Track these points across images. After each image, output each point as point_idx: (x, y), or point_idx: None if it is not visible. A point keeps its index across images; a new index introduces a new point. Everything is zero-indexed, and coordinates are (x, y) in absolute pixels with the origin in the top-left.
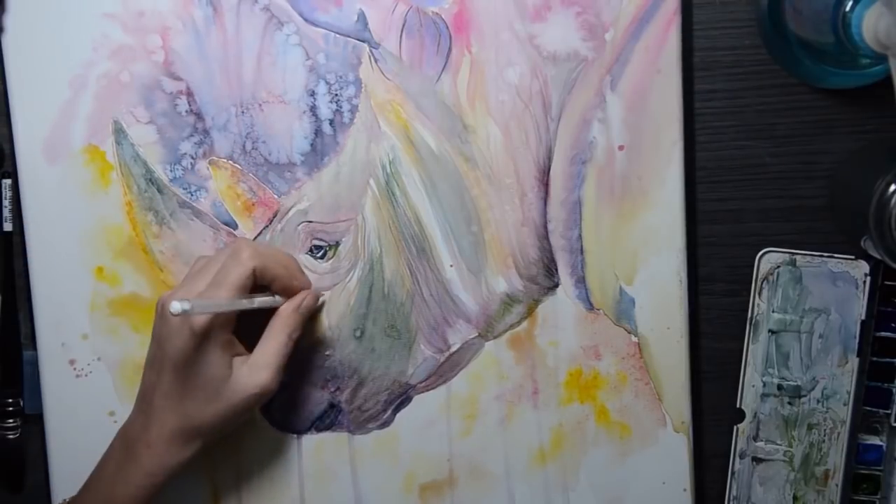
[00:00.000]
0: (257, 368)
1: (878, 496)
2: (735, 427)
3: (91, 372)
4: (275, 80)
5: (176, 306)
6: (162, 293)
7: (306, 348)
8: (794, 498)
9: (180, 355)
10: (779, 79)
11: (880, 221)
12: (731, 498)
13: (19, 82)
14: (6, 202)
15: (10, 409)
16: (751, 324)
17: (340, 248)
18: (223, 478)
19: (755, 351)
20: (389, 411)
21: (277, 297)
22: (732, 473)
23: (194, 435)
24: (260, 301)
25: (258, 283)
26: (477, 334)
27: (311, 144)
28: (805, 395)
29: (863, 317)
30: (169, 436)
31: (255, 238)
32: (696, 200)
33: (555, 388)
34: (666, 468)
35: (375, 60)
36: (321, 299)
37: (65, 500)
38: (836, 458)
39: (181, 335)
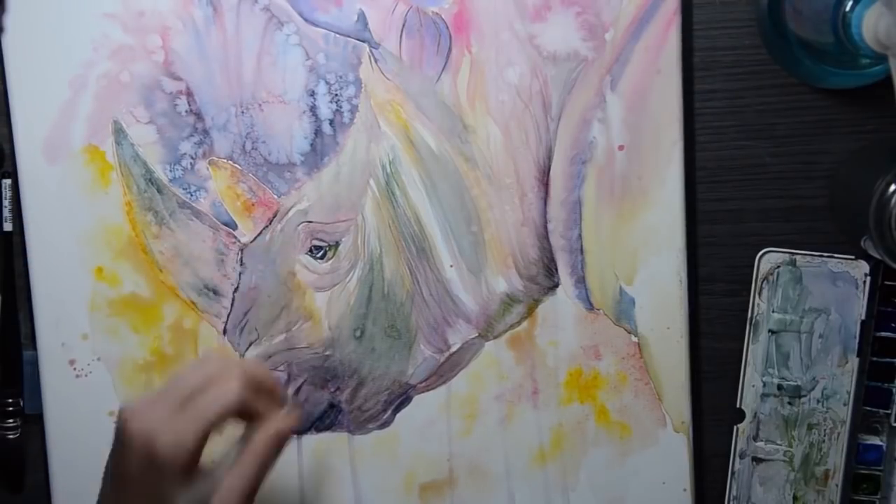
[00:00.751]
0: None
1: (878, 496)
2: (735, 427)
3: (91, 372)
4: (275, 80)
5: None
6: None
7: (306, 349)
8: (794, 498)
9: (141, 478)
10: (779, 79)
11: (880, 221)
12: (731, 498)
13: (19, 82)
14: (6, 202)
15: (10, 409)
16: (751, 324)
17: (340, 248)
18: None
19: (755, 351)
20: (389, 411)
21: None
22: (732, 473)
23: None
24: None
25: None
26: (477, 334)
27: (311, 144)
28: (805, 395)
29: (863, 317)
30: None
31: (255, 238)
32: (696, 200)
33: (555, 388)
34: (666, 468)
35: (375, 60)
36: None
37: None
38: (836, 458)
39: (140, 458)
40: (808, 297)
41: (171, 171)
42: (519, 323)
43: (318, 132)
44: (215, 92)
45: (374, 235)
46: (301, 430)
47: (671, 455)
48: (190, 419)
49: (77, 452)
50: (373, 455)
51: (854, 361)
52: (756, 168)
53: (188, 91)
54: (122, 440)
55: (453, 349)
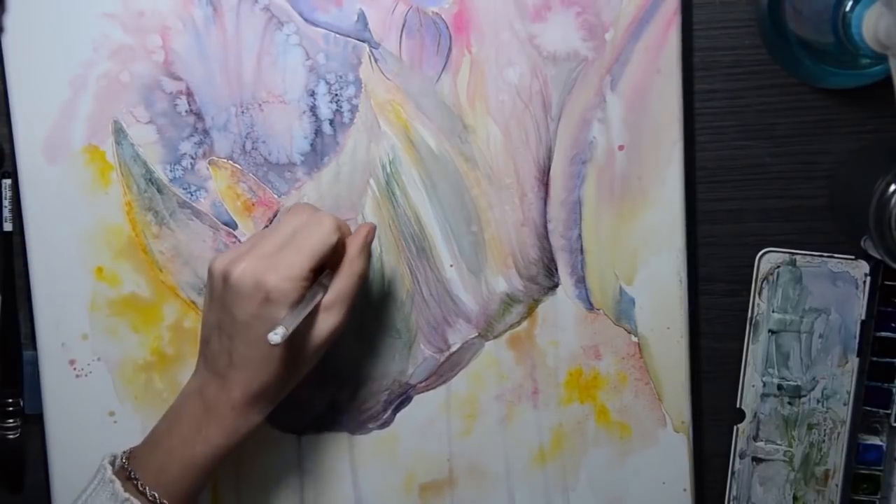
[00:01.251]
0: (326, 313)
1: (878, 496)
2: (735, 427)
3: (91, 372)
4: (275, 80)
5: (274, 337)
6: (213, 259)
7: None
8: (794, 498)
9: (254, 321)
10: (779, 79)
11: (880, 221)
12: (731, 498)
13: (19, 82)
14: (6, 202)
15: (10, 409)
16: (751, 324)
17: None
18: (223, 478)
19: (755, 351)
20: (389, 411)
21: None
22: (732, 473)
23: (279, 390)
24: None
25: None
26: (477, 334)
27: (311, 144)
28: (805, 395)
29: (863, 317)
30: (254, 396)
31: None
32: (696, 200)
33: (555, 388)
34: (666, 468)
35: (375, 60)
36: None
37: (125, 452)
38: (836, 458)
39: (253, 301)
40: (808, 297)
41: (171, 171)
42: (519, 323)
43: (318, 132)
44: (215, 92)
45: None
46: (301, 430)
47: (671, 455)
48: (296, 254)
49: (77, 452)
50: (373, 455)
51: (854, 361)
52: (756, 168)
53: (188, 91)
54: (228, 288)
55: (453, 349)
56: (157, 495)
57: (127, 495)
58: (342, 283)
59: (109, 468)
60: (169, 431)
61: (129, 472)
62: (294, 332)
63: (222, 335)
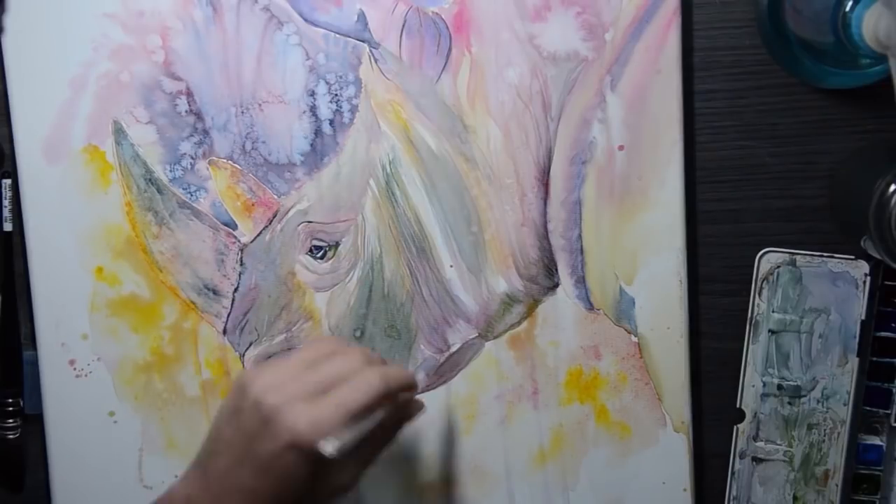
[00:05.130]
0: (342, 469)
1: (878, 496)
2: (735, 427)
3: (91, 372)
4: (275, 80)
5: (327, 447)
6: (246, 375)
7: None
8: (794, 498)
9: (271, 460)
10: (779, 79)
11: (880, 221)
12: (731, 498)
13: (19, 82)
14: (6, 202)
15: (10, 409)
16: (751, 324)
17: (340, 248)
18: None
19: (755, 351)
20: None
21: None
22: (732, 473)
23: None
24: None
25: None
26: (477, 334)
27: (311, 144)
28: (805, 395)
29: (863, 317)
30: None
31: (255, 239)
32: (696, 200)
33: (555, 388)
34: (666, 468)
35: (375, 60)
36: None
37: None
38: (836, 458)
39: (277, 442)
40: (808, 297)
41: (171, 171)
42: (519, 323)
43: (318, 132)
44: (215, 92)
45: (374, 235)
46: None
47: (671, 455)
48: (332, 408)
49: (77, 452)
50: None
51: (854, 361)
52: (756, 168)
53: (188, 91)
54: (254, 416)
55: (453, 349)
56: None
57: None
58: (373, 446)
59: None
60: None
61: None
62: (301, 478)
63: (230, 457)
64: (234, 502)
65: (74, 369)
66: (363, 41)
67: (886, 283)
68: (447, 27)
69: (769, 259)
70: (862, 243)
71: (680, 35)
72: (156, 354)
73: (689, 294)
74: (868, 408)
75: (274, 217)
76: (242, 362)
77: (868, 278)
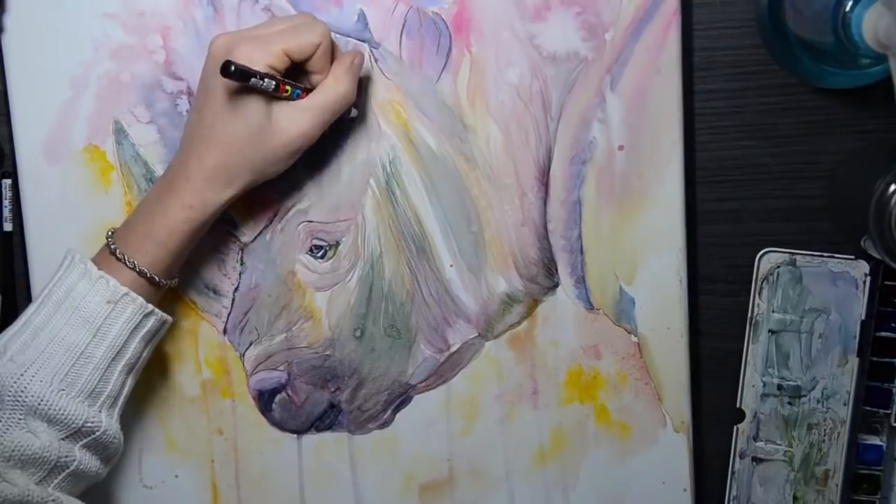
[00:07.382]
0: (299, 112)
1: (878, 496)
2: (735, 427)
3: None
4: None
5: (230, 68)
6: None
7: (306, 348)
8: (794, 498)
9: (224, 91)
10: (779, 79)
11: (880, 221)
12: (731, 498)
13: (19, 82)
14: (6, 202)
15: None
16: (751, 324)
17: (340, 247)
18: (223, 476)
19: (755, 351)
20: (389, 411)
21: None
22: (732, 473)
23: (234, 174)
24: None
25: (300, 60)
26: (477, 334)
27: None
28: (805, 395)
29: (863, 317)
30: (209, 171)
31: (255, 238)
32: (696, 200)
33: (555, 387)
34: (666, 468)
35: (375, 60)
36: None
37: (110, 231)
38: (836, 458)
39: (206, 64)
40: (808, 297)
41: None
42: (519, 323)
43: None
44: None
45: (374, 235)
46: (301, 430)
47: (671, 455)
48: (275, 35)
49: None
50: (373, 455)
51: (854, 361)
52: (756, 168)
53: (189, 91)
54: (208, 58)
55: (453, 349)
56: (136, 262)
57: (101, 273)
58: (321, 95)
59: (78, 256)
60: (139, 209)
61: (113, 249)
62: (259, 114)
63: (196, 109)
64: (198, 152)
65: None
66: (363, 41)
67: (886, 283)
68: (447, 27)
69: (769, 259)
70: (862, 243)
71: (680, 35)
72: (156, 353)
73: (689, 294)
74: (868, 408)
75: (274, 216)
76: (242, 362)
77: (868, 278)
